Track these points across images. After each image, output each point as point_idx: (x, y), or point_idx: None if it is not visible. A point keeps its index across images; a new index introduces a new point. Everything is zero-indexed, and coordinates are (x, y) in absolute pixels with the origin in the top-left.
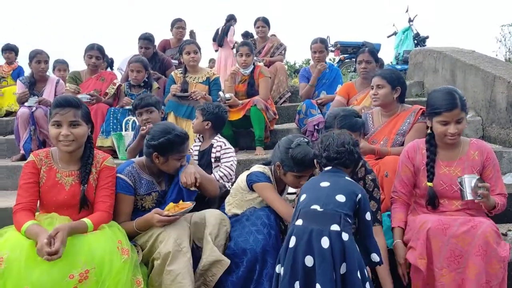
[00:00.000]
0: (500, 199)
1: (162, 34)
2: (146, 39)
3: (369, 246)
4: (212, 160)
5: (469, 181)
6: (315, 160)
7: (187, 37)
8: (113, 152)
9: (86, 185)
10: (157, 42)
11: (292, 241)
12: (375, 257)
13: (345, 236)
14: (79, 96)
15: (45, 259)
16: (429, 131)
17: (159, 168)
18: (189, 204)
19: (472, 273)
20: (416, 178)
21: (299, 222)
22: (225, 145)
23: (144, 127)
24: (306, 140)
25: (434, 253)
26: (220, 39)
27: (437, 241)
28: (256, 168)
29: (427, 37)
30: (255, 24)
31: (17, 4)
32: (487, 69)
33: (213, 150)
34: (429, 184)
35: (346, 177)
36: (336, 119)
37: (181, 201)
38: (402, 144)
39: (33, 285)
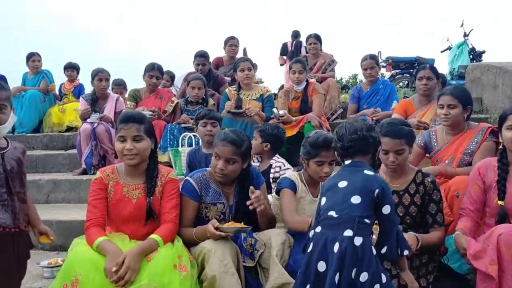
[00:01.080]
0: None
1: (213, 51)
2: (202, 56)
3: (388, 241)
4: (271, 180)
5: None
6: (335, 153)
7: (240, 54)
8: (170, 167)
9: (152, 197)
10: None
11: (310, 247)
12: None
13: (357, 241)
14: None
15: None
16: (501, 146)
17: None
18: (246, 226)
19: None
20: (486, 196)
21: (318, 229)
22: (284, 166)
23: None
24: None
25: (505, 260)
26: (294, 54)
27: (509, 248)
28: (286, 174)
29: (483, 52)
30: (307, 41)
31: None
32: None
33: (272, 170)
34: (500, 202)
35: (365, 171)
36: (382, 127)
37: (242, 223)
38: (469, 164)
39: None
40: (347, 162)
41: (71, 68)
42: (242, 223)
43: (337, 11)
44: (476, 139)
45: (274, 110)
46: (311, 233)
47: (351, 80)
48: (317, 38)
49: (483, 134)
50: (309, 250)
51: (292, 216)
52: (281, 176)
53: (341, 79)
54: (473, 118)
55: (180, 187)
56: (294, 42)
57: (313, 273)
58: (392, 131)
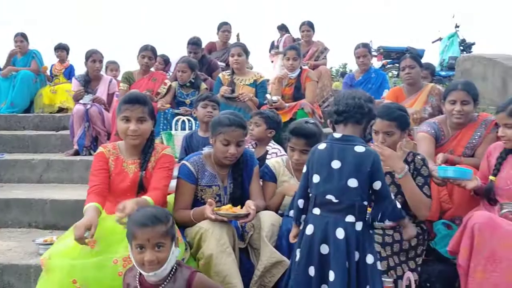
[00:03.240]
0: None
1: (207, 36)
2: (195, 44)
3: (384, 211)
4: None
5: None
6: (328, 121)
7: (233, 39)
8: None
9: (144, 171)
10: (203, 44)
11: (310, 229)
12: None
13: (358, 226)
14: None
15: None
16: None
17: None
18: (243, 211)
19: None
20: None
21: (317, 211)
22: (280, 152)
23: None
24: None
25: (475, 248)
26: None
27: (482, 237)
28: (268, 161)
29: (473, 44)
30: (300, 28)
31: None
32: None
33: (268, 157)
34: (492, 177)
35: (356, 147)
36: (377, 109)
37: (239, 207)
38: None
39: (81, 276)
40: (337, 135)
41: (61, 49)
42: (239, 207)
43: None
44: (479, 133)
45: (268, 96)
46: (308, 214)
47: (340, 69)
48: (310, 25)
49: (486, 128)
50: (309, 232)
51: (261, 201)
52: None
53: (331, 68)
54: None
55: (176, 171)
56: (279, 39)
57: (316, 256)
58: (384, 112)
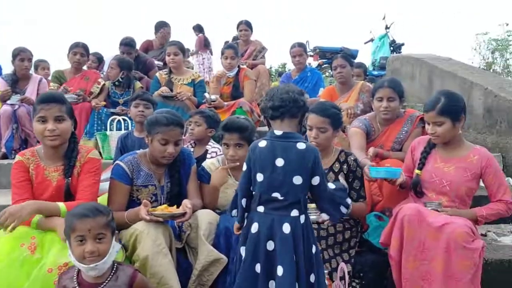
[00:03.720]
0: (498, 206)
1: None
2: (127, 45)
3: (325, 207)
4: None
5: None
6: (262, 117)
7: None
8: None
9: (70, 178)
10: (140, 42)
11: (255, 227)
12: (343, 209)
13: (302, 219)
14: (66, 96)
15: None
16: None
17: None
18: (180, 211)
19: (439, 268)
20: (413, 168)
21: (261, 209)
22: (220, 151)
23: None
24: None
25: (406, 240)
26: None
27: (411, 229)
28: (204, 162)
29: (402, 44)
30: (238, 27)
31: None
32: (464, 76)
33: (208, 156)
34: (417, 171)
35: (298, 144)
36: (312, 105)
37: (175, 206)
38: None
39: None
40: (278, 132)
41: None
42: (175, 206)
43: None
44: (405, 128)
45: (206, 94)
46: (251, 212)
47: (280, 69)
48: (248, 25)
49: (412, 123)
50: (254, 230)
51: (199, 201)
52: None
53: (270, 67)
54: None
55: (111, 172)
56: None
57: (263, 253)
58: (319, 109)
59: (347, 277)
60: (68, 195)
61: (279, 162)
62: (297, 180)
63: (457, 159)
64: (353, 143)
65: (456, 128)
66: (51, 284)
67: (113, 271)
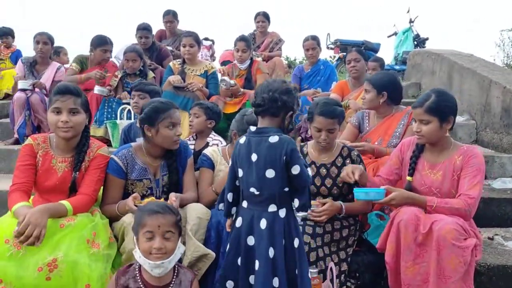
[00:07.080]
0: (456, 200)
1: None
2: (145, 29)
3: (301, 197)
4: None
5: None
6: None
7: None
8: (106, 141)
9: (77, 172)
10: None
11: (239, 222)
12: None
13: (282, 213)
14: (97, 89)
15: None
16: None
17: (156, 147)
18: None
19: (432, 267)
20: (402, 172)
21: (245, 204)
22: (221, 143)
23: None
24: None
25: (403, 245)
26: None
27: (407, 233)
28: (206, 150)
29: (427, 39)
30: (255, 19)
31: None
32: (483, 73)
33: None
34: (409, 178)
35: (270, 138)
36: (317, 106)
37: (162, 199)
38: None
39: (6, 277)
40: (253, 128)
41: (5, 35)
42: (162, 199)
43: None
44: (402, 122)
45: (226, 78)
46: (238, 207)
47: (304, 61)
48: (265, 16)
49: (408, 117)
50: (238, 225)
51: (194, 196)
52: (205, 150)
53: (295, 59)
54: (412, 102)
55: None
56: None
57: (243, 247)
58: (327, 111)
59: (335, 279)
60: (74, 189)
61: (254, 157)
62: (270, 173)
63: (443, 163)
64: (341, 136)
65: (443, 129)
66: (42, 282)
67: (175, 274)
